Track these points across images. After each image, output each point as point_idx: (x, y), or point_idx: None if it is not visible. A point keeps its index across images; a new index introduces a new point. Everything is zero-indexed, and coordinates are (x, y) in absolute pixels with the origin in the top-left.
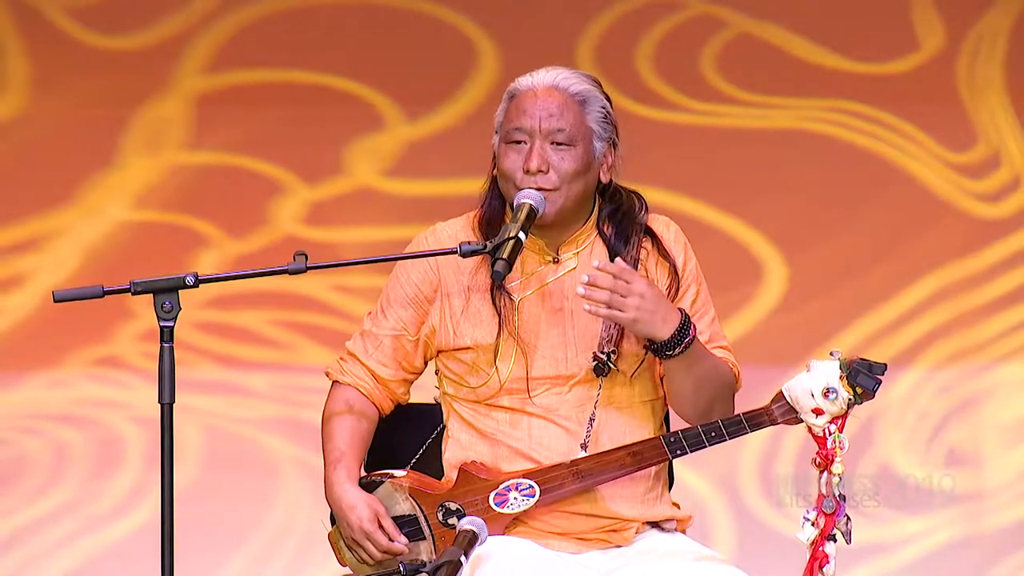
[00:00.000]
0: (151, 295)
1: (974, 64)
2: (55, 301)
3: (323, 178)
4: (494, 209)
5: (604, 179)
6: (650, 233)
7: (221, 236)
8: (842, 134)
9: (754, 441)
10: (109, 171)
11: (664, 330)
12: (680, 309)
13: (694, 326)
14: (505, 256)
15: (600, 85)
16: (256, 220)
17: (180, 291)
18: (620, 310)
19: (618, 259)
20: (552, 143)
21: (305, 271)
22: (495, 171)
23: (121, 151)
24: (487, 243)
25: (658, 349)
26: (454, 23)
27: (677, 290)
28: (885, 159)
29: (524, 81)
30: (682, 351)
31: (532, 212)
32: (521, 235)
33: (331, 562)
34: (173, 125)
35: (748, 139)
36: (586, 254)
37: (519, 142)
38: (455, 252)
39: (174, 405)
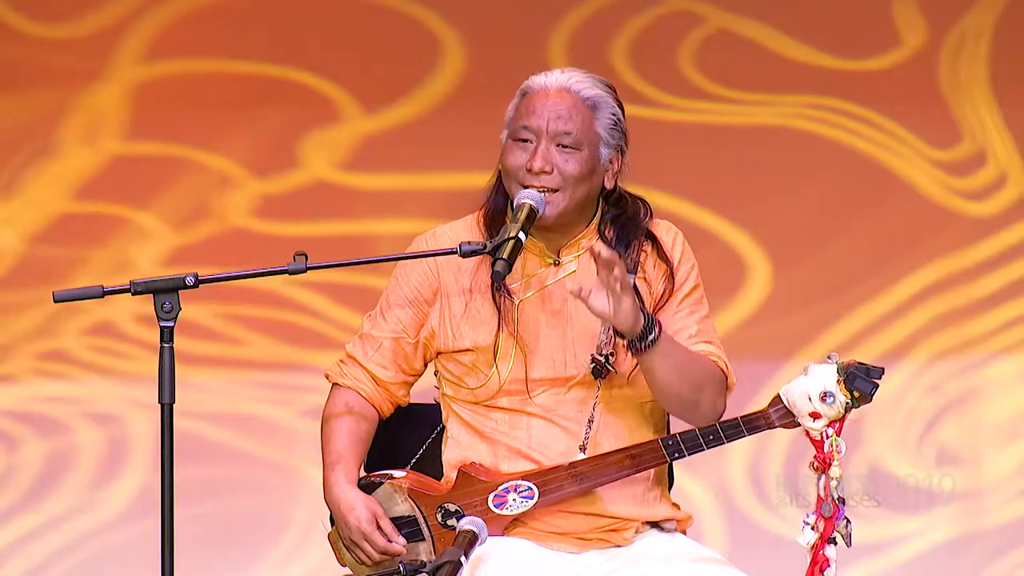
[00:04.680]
0: (151, 295)
1: (957, 61)
2: (55, 301)
3: (274, 170)
4: (498, 205)
5: (608, 185)
6: (651, 237)
7: (163, 228)
8: (824, 131)
9: (745, 440)
10: (48, 161)
11: (639, 322)
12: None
13: (657, 319)
14: (505, 256)
15: (614, 91)
16: (199, 212)
17: (179, 291)
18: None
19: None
20: (558, 145)
21: (305, 271)
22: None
23: (60, 141)
24: (487, 243)
25: (638, 339)
26: (418, 16)
27: (672, 291)
28: (869, 156)
29: (537, 80)
30: (656, 338)
31: (532, 212)
32: (521, 235)
33: (331, 563)
34: (113, 115)
35: (728, 136)
36: (587, 257)
37: (525, 140)
38: (455, 252)
39: (127, 403)
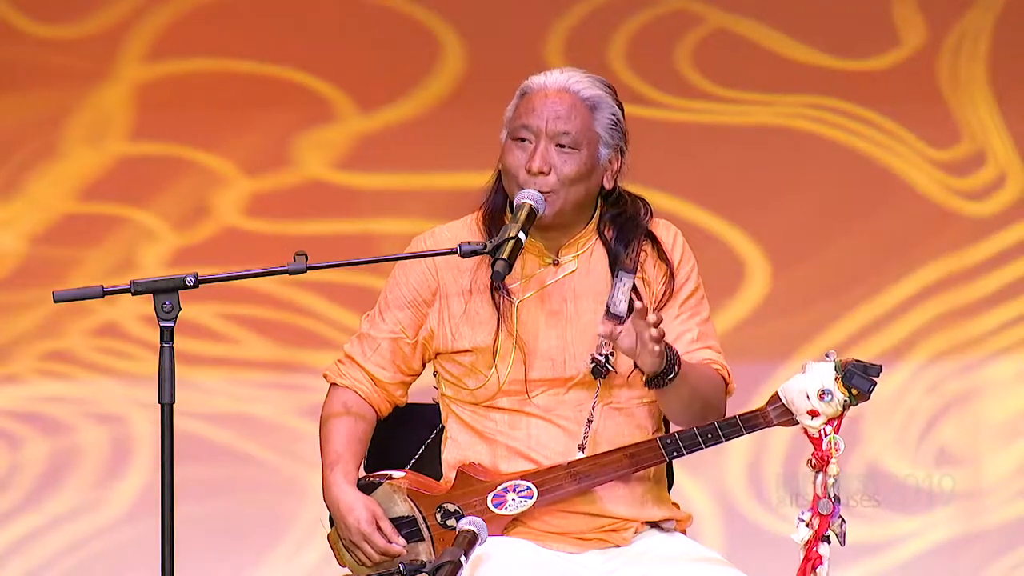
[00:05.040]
0: (151, 295)
1: (957, 61)
2: (55, 301)
3: (271, 170)
4: (497, 204)
5: (608, 185)
6: (651, 237)
7: (167, 228)
8: (823, 131)
9: (744, 440)
10: (52, 161)
11: (662, 366)
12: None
13: (677, 354)
14: (505, 256)
15: (614, 92)
16: (203, 212)
17: (180, 291)
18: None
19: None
20: (557, 145)
21: (305, 271)
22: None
23: (63, 141)
24: (487, 243)
25: (656, 379)
26: (416, 16)
27: (672, 293)
28: (868, 156)
29: (537, 80)
30: (674, 376)
31: (532, 212)
32: (521, 235)
33: (331, 563)
34: (116, 115)
35: (727, 136)
36: (586, 257)
37: (524, 140)
38: (455, 252)
39: (130, 403)
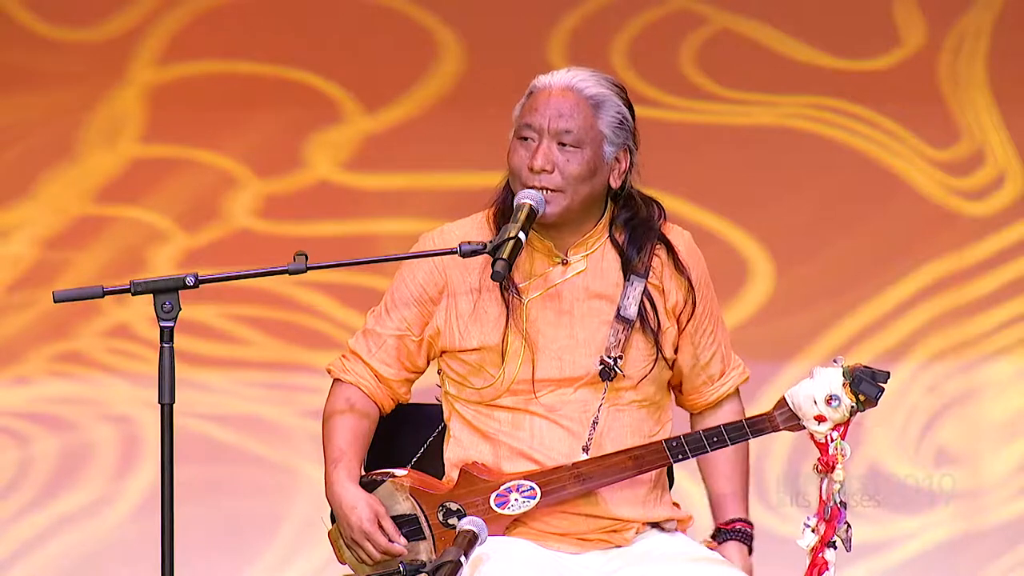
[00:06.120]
0: (151, 295)
1: (957, 61)
2: (55, 301)
3: (280, 171)
4: (508, 202)
5: (614, 184)
6: (664, 241)
7: (177, 229)
8: (825, 131)
9: None
10: (66, 164)
11: None
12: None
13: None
14: (505, 256)
15: (622, 90)
16: (213, 213)
17: (180, 291)
18: None
19: None
20: (559, 144)
21: (305, 271)
22: None
23: (78, 144)
24: (487, 243)
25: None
26: (417, 17)
27: (694, 306)
28: (869, 156)
29: (543, 79)
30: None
31: (532, 212)
32: (521, 235)
33: (331, 562)
34: (128, 117)
35: (728, 136)
36: (597, 257)
37: (528, 139)
38: (455, 252)
39: (139, 404)
